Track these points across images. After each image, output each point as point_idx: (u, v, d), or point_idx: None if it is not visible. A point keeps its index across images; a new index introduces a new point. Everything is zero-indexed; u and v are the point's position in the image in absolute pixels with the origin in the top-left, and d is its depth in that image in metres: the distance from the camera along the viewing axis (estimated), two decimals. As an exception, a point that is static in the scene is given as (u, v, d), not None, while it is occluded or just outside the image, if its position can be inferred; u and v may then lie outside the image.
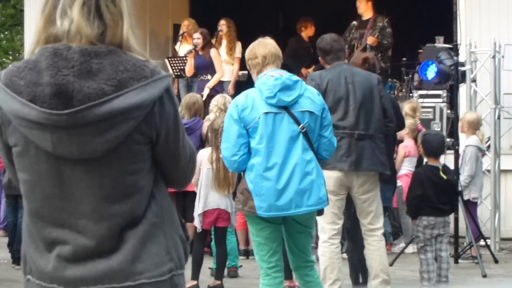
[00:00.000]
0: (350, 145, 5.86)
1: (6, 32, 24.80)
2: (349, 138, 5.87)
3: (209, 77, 10.90)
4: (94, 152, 2.19)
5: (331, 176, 5.80)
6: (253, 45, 5.04)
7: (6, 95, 2.20)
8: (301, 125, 4.83)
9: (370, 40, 11.27)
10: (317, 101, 4.96)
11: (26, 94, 2.17)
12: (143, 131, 2.24)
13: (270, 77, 4.85)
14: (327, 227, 5.93)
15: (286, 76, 4.87)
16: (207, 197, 6.85)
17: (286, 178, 4.76)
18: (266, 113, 4.80)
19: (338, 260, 5.95)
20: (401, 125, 6.98)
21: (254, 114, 4.80)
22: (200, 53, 10.91)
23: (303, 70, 12.38)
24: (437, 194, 6.64)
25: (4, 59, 24.49)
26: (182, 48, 11.73)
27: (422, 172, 6.74)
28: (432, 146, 6.76)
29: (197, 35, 10.94)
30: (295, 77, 4.91)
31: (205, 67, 10.92)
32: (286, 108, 4.83)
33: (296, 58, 12.29)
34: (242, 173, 4.98)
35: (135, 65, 2.22)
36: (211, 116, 8.04)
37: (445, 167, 6.85)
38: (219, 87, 10.93)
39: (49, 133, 2.17)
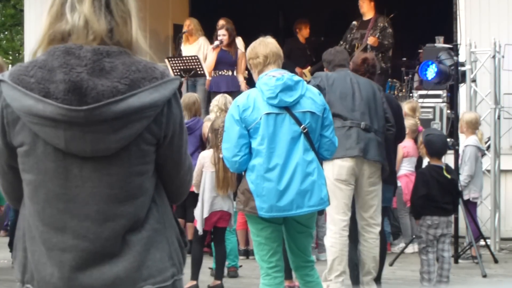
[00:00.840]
0: (358, 134, 5.97)
1: (6, 32, 24.80)
2: (357, 127, 5.98)
3: (229, 73, 10.95)
4: (106, 150, 2.20)
5: (343, 165, 5.95)
6: (254, 45, 5.04)
7: (16, 92, 2.18)
8: (302, 126, 4.82)
9: (371, 40, 11.26)
10: (318, 101, 4.95)
11: (38, 90, 2.16)
12: (153, 131, 2.25)
13: (272, 77, 4.84)
14: (338, 218, 6.00)
15: (287, 76, 4.86)
16: (213, 199, 6.84)
17: (288, 179, 4.76)
18: (268, 113, 4.79)
19: (347, 253, 6.03)
20: (402, 135, 6.88)
21: (256, 115, 4.79)
22: (225, 48, 10.96)
23: (297, 69, 12.39)
24: (442, 193, 6.65)
25: (4, 59, 24.46)
26: (184, 49, 11.73)
27: (427, 172, 6.74)
28: (437, 147, 6.77)
29: (222, 31, 11.00)
30: (296, 77, 4.90)
31: (229, 63, 10.98)
32: (287, 108, 4.82)
33: (291, 59, 12.35)
34: (243, 173, 4.97)
35: (146, 66, 2.25)
36: (211, 116, 8.03)
37: (447, 167, 6.87)
38: (234, 83, 10.93)
39: (62, 130, 2.17)
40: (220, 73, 10.99)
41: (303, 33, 12.94)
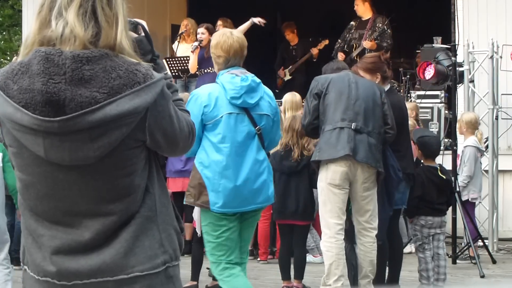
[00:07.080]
0: (349, 135, 5.92)
1: (4, 33, 24.78)
2: (349, 129, 5.93)
3: (212, 71, 10.92)
4: (86, 158, 2.19)
5: (337, 170, 5.91)
6: (218, 39, 4.96)
7: (0, 97, 2.20)
8: (257, 127, 4.91)
9: (368, 44, 11.20)
10: (273, 104, 5.07)
11: (18, 99, 2.17)
12: (136, 137, 2.24)
13: (235, 77, 4.88)
14: (332, 222, 5.97)
15: (251, 77, 4.91)
16: None
17: (243, 178, 4.84)
18: (230, 113, 4.86)
19: (344, 256, 6.01)
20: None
21: (216, 112, 4.85)
22: (205, 48, 10.89)
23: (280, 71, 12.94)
24: (437, 194, 6.65)
25: (2, 59, 24.49)
26: (180, 48, 11.72)
27: (422, 173, 6.73)
28: (433, 149, 6.78)
29: (202, 29, 10.92)
30: (257, 79, 4.97)
31: (209, 60, 10.91)
32: (246, 109, 4.89)
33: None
34: (193, 168, 4.98)
35: (128, 70, 2.21)
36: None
37: (442, 167, 6.86)
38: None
39: (41, 138, 2.18)
40: (205, 71, 10.98)
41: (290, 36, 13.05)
